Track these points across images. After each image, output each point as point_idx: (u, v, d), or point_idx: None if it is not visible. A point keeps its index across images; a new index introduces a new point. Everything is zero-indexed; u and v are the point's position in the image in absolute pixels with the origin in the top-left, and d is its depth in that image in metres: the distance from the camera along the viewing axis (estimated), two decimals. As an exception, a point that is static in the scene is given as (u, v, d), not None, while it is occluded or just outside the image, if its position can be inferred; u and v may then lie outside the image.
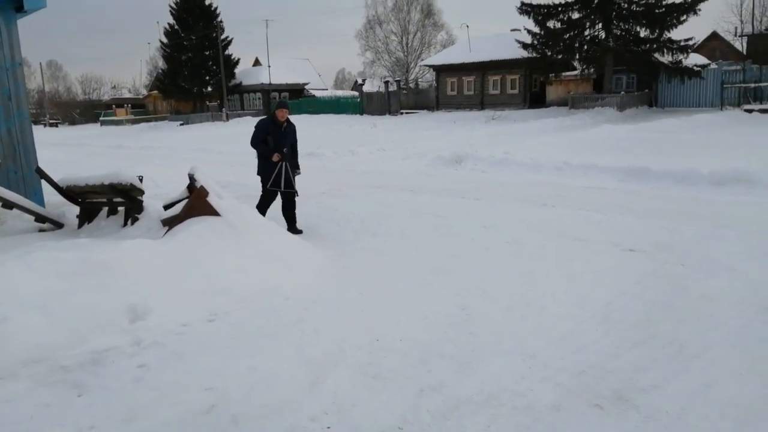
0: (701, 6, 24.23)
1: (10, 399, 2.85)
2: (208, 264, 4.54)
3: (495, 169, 12.97)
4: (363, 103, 40.45)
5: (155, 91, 55.50)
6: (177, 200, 6.23)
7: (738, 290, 4.32)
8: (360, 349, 3.43)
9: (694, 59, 27.08)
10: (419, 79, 50.00)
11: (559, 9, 26.98)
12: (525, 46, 28.31)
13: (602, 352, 3.34)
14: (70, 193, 6.86)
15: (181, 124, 44.28)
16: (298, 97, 49.96)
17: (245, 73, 49.96)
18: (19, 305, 3.39)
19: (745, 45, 27.55)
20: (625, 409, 2.72)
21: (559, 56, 27.44)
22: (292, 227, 7.08)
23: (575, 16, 26.86)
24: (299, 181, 7.23)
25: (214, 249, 4.74)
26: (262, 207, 7.08)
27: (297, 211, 7.19)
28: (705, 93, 24.79)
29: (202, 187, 5.11)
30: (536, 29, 27.72)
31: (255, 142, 6.96)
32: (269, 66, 47.66)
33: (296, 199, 7.13)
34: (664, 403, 2.77)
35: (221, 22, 44.68)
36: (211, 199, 5.06)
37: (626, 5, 25.62)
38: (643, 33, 25.47)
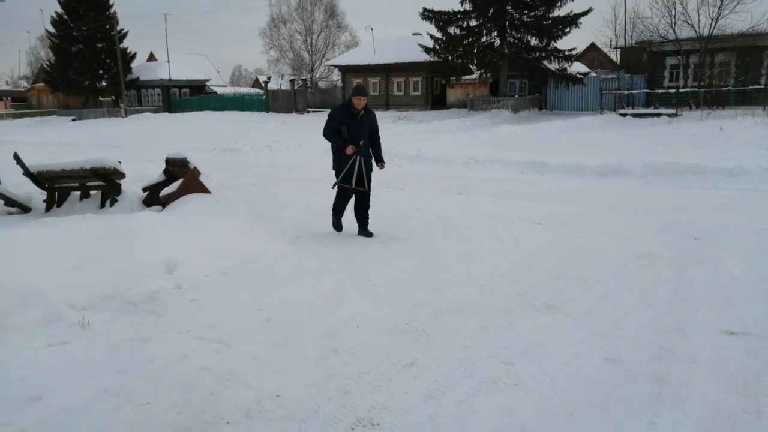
0: (582, 19, 27.05)
1: (107, 321, 3.67)
2: (207, 232, 5.40)
3: (410, 163, 14.25)
4: (269, 101, 40.74)
5: (41, 84, 52.50)
6: (156, 183, 6.97)
7: (619, 247, 5.78)
8: (357, 285, 4.51)
9: (577, 67, 30.09)
10: (324, 79, 50.93)
11: (459, 16, 28.96)
12: (427, 50, 30.07)
13: (531, 283, 4.62)
14: (39, 178, 7.34)
15: (73, 120, 42.36)
16: (199, 93, 49.29)
17: (142, 68, 48.53)
18: (82, 258, 4.16)
19: (619, 56, 30.88)
20: (553, 311, 4.00)
21: (459, 61, 29.40)
22: (363, 229, 6.50)
23: (473, 23, 28.96)
24: (376, 177, 6.87)
25: (209, 220, 5.60)
26: (337, 206, 6.60)
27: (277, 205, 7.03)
28: (587, 98, 27.71)
29: (195, 168, 5.95)
30: (438, 34, 29.55)
31: (327, 132, 6.40)
32: (168, 61, 46.67)
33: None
34: (577, 308, 4.07)
35: (115, 13, 43.13)
36: (203, 179, 5.91)
37: (518, 16, 28.05)
38: (534, 42, 27.97)
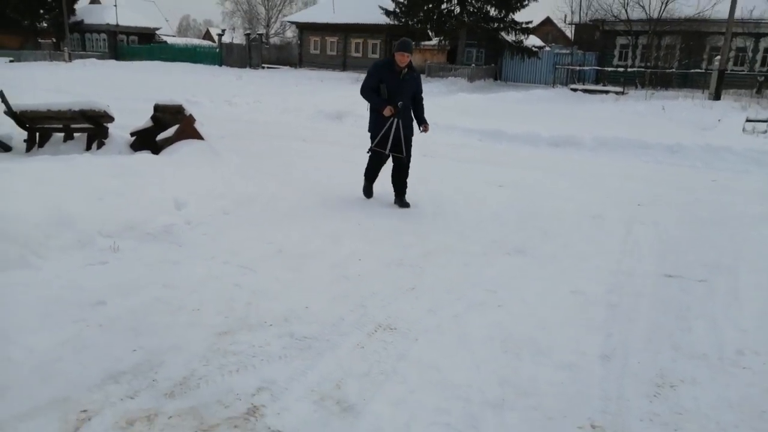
0: (540, -6, 27.79)
1: (134, 248, 4.09)
2: (205, 175, 5.80)
3: (373, 125, 14.68)
4: (222, 55, 40.04)
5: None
6: (144, 128, 7.23)
7: (574, 208, 6.49)
8: (351, 229, 5.05)
9: (533, 41, 30.87)
10: (279, 35, 50.14)
11: (421, -19, 29.15)
12: (387, 13, 30.19)
13: (501, 233, 5.27)
14: (22, 118, 7.45)
15: (10, 61, 40.37)
16: (148, 42, 47.79)
17: (87, 11, 46.49)
18: (102, 191, 4.52)
19: (573, 32, 31.87)
20: (522, 255, 4.66)
21: (419, 26, 29.70)
22: (400, 198, 6.17)
23: (435, -11, 29.23)
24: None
25: (206, 164, 5.98)
26: (369, 170, 6.28)
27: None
28: (540, 71, 28.63)
29: (191, 115, 6.29)
30: (399, -2, 29.70)
31: (365, 90, 5.91)
32: (116, 5, 44.90)
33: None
34: (542, 253, 4.75)
35: (58, -53, 40.95)
36: (197, 126, 6.26)
37: (478, -15, 28.50)
38: (493, 12, 28.51)
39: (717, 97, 20.36)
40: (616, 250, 4.95)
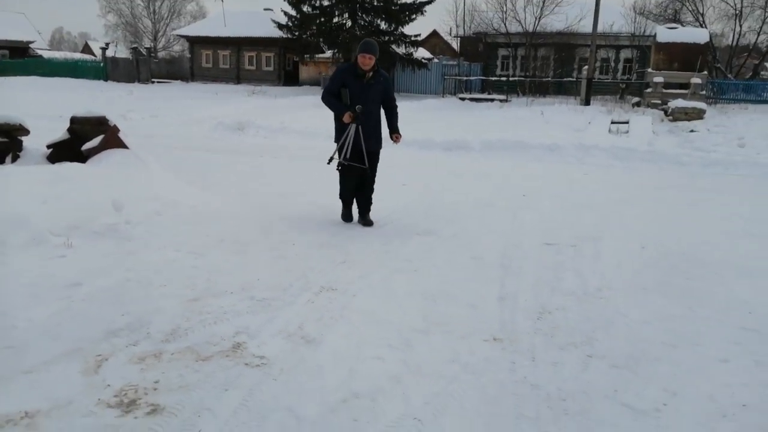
0: (426, 8, 29.40)
1: (85, 243, 4.47)
2: (132, 181, 6.17)
3: (275, 135, 15.22)
4: (107, 69, 38.62)
5: None
6: (60, 140, 7.40)
7: (468, 200, 7.44)
8: (279, 222, 5.68)
9: (422, 53, 32.55)
10: (168, 49, 49.01)
11: (312, -5, 29.92)
12: (280, 26, 30.67)
13: (410, 221, 6.07)
14: (-72, 133, 7.37)
15: None
16: (22, 56, 45.12)
17: (-53, 23, 43.26)
18: (43, 196, 4.85)
19: (458, 44, 33.90)
20: (430, 235, 5.50)
21: (312, 39, 30.43)
22: (362, 216, 5.83)
23: (326, 3, 30.06)
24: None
25: (131, 172, 6.35)
26: (342, 190, 5.81)
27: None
28: (430, 82, 30.23)
29: (115, 125, 6.62)
30: (292, 11, 30.26)
31: (325, 95, 5.51)
32: (-17, 17, 42.15)
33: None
34: (446, 233, 5.60)
35: None
36: (121, 136, 6.61)
37: (368, 0, 29.70)
38: (383, 26, 29.79)
39: (587, 102, 22.64)
40: (505, 229, 5.90)
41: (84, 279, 3.74)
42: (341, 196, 5.87)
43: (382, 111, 5.70)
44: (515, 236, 5.61)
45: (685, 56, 22.01)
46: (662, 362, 2.99)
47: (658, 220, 6.47)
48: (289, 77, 36.21)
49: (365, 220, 5.80)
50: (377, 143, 5.72)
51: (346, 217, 5.91)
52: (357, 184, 5.72)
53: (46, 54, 48.46)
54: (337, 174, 5.75)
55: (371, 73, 5.39)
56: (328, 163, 5.72)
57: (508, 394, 2.63)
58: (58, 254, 4.23)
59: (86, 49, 69.43)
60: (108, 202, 5.39)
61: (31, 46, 46.96)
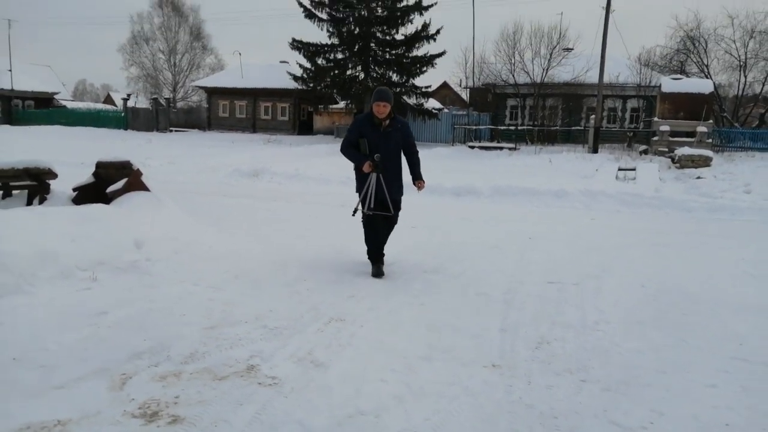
0: (436, 60, 30.29)
1: (110, 278, 4.74)
2: (150, 221, 6.47)
3: (290, 181, 15.62)
4: (128, 118, 39.83)
5: None
6: (86, 183, 7.77)
7: (476, 242, 7.67)
8: (293, 260, 5.92)
9: (432, 103, 33.33)
10: (186, 99, 50.48)
11: (326, 49, 30.96)
12: (295, 78, 31.67)
13: (419, 259, 6.30)
14: (-40, 177, 7.78)
15: None
16: (47, 106, 46.70)
17: (-24, 76, 44.96)
18: (72, 234, 5.15)
19: (468, 95, 34.71)
20: (438, 273, 5.71)
21: (326, 90, 31.34)
22: (376, 264, 5.60)
23: (340, 56, 31.10)
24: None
25: (152, 213, 6.66)
26: (368, 241, 5.65)
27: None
28: (441, 131, 30.85)
29: (138, 169, 6.98)
30: (307, 64, 31.30)
31: (344, 147, 5.51)
32: (10, 70, 43.84)
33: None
34: (453, 271, 5.81)
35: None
36: (144, 179, 6.96)
37: (381, 53, 30.69)
38: (395, 78, 30.68)
39: (595, 150, 23.00)
40: (511, 269, 6.10)
41: (109, 308, 3.99)
42: (368, 252, 5.66)
43: (404, 158, 5.66)
44: (520, 275, 5.80)
45: (690, 106, 22.42)
46: (652, 387, 3.15)
47: (661, 261, 6.64)
48: (303, 126, 37.11)
49: (377, 270, 5.57)
50: (398, 191, 5.65)
51: (377, 272, 5.53)
52: (382, 233, 5.61)
53: (70, 104, 50.10)
54: (355, 219, 5.62)
55: (387, 121, 5.38)
56: (353, 215, 5.56)
57: (503, 413, 2.80)
58: (84, 287, 4.49)
59: (108, 99, 71.67)
60: (130, 240, 5.69)
61: (55, 96, 48.61)
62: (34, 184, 7.75)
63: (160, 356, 3.26)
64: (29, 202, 7.86)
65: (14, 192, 8.09)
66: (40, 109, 45.21)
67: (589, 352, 3.65)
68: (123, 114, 40.34)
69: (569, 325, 4.20)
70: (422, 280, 5.37)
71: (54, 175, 7.66)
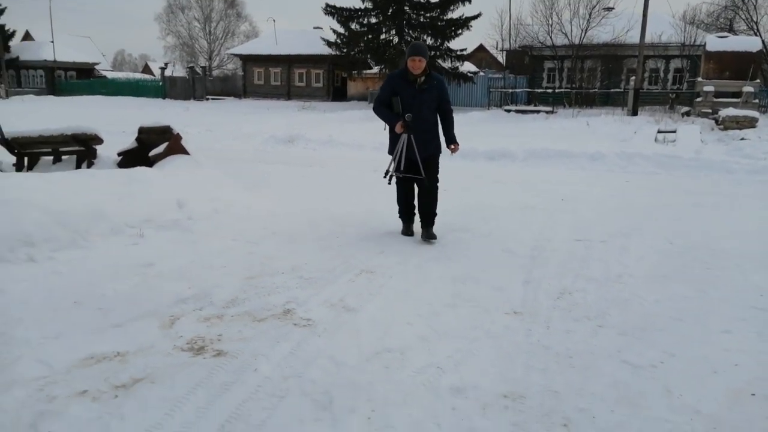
0: (472, 23, 29.82)
1: (155, 234, 5.06)
2: (194, 183, 6.77)
3: (324, 147, 15.81)
4: (166, 88, 40.52)
5: None
6: (129, 149, 8.14)
7: (508, 202, 7.78)
8: (326, 218, 6.16)
9: (468, 66, 32.89)
10: (222, 68, 50.93)
11: (360, 13, 30.75)
12: (329, 44, 31.61)
13: (448, 219, 6.43)
14: (14, 144, 8.23)
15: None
16: (87, 77, 47.78)
17: (22, 48, 46.19)
18: (120, 194, 5.48)
19: (504, 58, 34.15)
20: (467, 232, 5.86)
21: (360, 55, 31.24)
22: (424, 230, 5.44)
23: (373, 21, 30.87)
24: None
25: (193, 175, 6.96)
26: (400, 203, 5.61)
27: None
28: (476, 95, 30.55)
29: (178, 133, 7.28)
30: (340, 29, 31.19)
31: (376, 106, 5.27)
32: (53, 41, 44.84)
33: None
34: (482, 231, 5.96)
35: (-12, -16, 40.94)
36: (183, 143, 7.26)
37: (415, 16, 30.33)
38: (430, 41, 30.35)
39: (635, 113, 22.51)
40: (539, 227, 6.21)
41: (155, 260, 4.30)
42: (399, 211, 5.62)
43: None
44: (548, 233, 5.92)
45: (736, 65, 21.68)
46: (667, 332, 3.29)
47: (691, 221, 6.65)
48: (337, 93, 37.17)
49: (428, 234, 5.37)
50: (435, 149, 5.39)
51: (407, 230, 5.58)
52: (415, 195, 5.50)
53: (110, 75, 51.16)
54: (386, 180, 5.43)
55: (423, 78, 5.09)
56: (385, 178, 5.34)
57: (521, 353, 2.99)
58: (132, 242, 4.82)
59: (146, 69, 72.75)
60: (173, 200, 6.00)
61: (96, 67, 49.66)
62: (82, 149, 8.16)
63: (203, 302, 3.54)
64: (78, 166, 8.27)
65: (64, 157, 8.52)
66: (81, 79, 46.32)
67: (609, 302, 3.80)
68: (161, 83, 41.08)
69: (592, 278, 4.34)
70: (450, 238, 5.53)
71: (100, 141, 8.03)
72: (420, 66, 5.03)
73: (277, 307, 3.49)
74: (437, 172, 5.56)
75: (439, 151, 5.46)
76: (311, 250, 4.86)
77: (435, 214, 5.51)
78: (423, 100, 5.12)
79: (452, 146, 5.43)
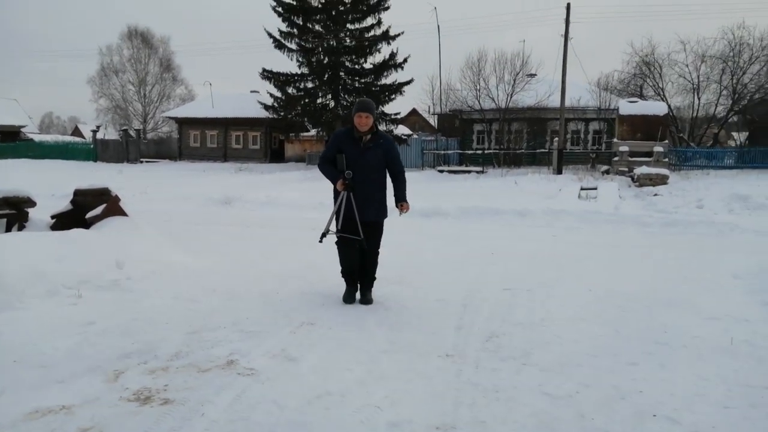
0: (405, 88, 31.15)
1: (94, 295, 5.07)
2: (129, 244, 6.80)
3: (262, 208, 15.95)
4: (97, 150, 39.79)
5: None
6: (64, 211, 8.07)
7: (441, 258, 8.15)
8: (264, 275, 6.30)
9: (402, 130, 34.09)
10: (157, 131, 50.56)
11: (296, 78, 31.59)
12: (266, 107, 32.19)
13: (386, 273, 6.72)
14: (-61, 207, 8.02)
15: None
16: (13, 139, 46.37)
17: (-59, 110, 44.59)
18: (57, 255, 5.47)
19: (436, 121, 35.61)
20: (400, 284, 6.14)
21: (297, 119, 31.88)
22: (363, 294, 5.30)
23: (310, 85, 31.76)
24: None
25: (129, 236, 6.99)
26: (342, 265, 5.32)
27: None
28: (411, 156, 31.47)
29: (116, 195, 7.32)
30: (277, 93, 31.86)
31: (321, 163, 5.13)
32: (-24, 105, 43.56)
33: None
34: (417, 283, 6.25)
35: None
36: (122, 204, 7.30)
37: (350, 81, 31.45)
38: (364, 105, 31.32)
39: (559, 171, 23.85)
40: (470, 279, 6.57)
41: (96, 319, 4.34)
42: (342, 272, 5.35)
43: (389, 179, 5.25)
44: (478, 285, 6.27)
45: (646, 127, 23.49)
46: (583, 366, 3.63)
47: (610, 270, 7.18)
48: (275, 155, 37.53)
49: (365, 298, 5.26)
50: (377, 213, 5.20)
51: (348, 297, 5.25)
52: (358, 258, 5.23)
53: (37, 137, 49.77)
54: (326, 239, 5.29)
55: (369, 136, 4.99)
56: (320, 241, 5.24)
57: (452, 390, 3.24)
58: (70, 303, 4.83)
59: (76, 131, 71.24)
60: (111, 261, 6.03)
61: (22, 130, 48.30)
62: (13, 212, 8.03)
63: (148, 355, 3.63)
64: (8, 230, 8.11)
65: (-8, 221, 8.35)
66: (6, 142, 44.85)
67: (532, 343, 4.12)
68: (92, 146, 40.30)
69: (518, 322, 4.68)
70: (387, 290, 5.79)
71: (33, 204, 7.94)
72: (366, 123, 4.91)
73: (221, 358, 3.62)
74: (379, 239, 5.39)
75: (382, 216, 5.29)
76: (252, 306, 5.00)
77: (374, 279, 5.44)
78: (367, 159, 4.97)
79: (401, 205, 5.19)
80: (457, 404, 3.05)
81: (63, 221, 7.99)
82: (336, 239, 5.19)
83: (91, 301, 4.94)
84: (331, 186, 5.17)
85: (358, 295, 5.37)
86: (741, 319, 4.78)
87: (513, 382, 3.38)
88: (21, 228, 8.00)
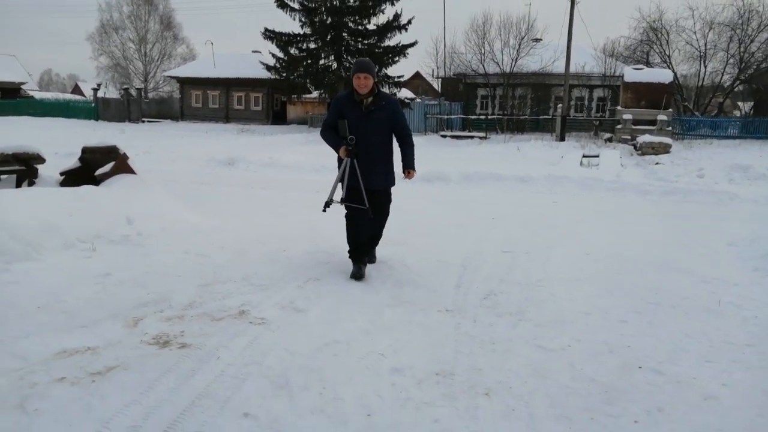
0: (408, 50, 30.91)
1: (107, 249, 5.26)
2: (138, 201, 6.96)
3: (265, 170, 16.07)
4: (98, 109, 39.63)
5: None
6: (72, 168, 8.21)
7: (444, 221, 8.31)
8: (272, 232, 6.48)
9: (405, 93, 33.90)
10: (158, 90, 50.22)
11: (299, 38, 31.34)
12: (268, 68, 31.97)
13: (388, 235, 6.91)
14: (-49, 162, 8.16)
15: None
16: (13, 97, 46.13)
17: (-59, 66, 44.27)
18: (70, 210, 5.64)
19: (439, 85, 35.38)
20: (402, 245, 6.33)
21: (299, 80, 31.72)
22: (356, 264, 4.90)
23: (312, 46, 31.50)
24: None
25: (138, 193, 7.15)
26: (348, 235, 4.97)
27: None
28: (413, 121, 31.36)
29: (124, 153, 7.45)
30: (279, 54, 31.62)
31: (323, 128, 4.82)
32: (-26, 60, 43.20)
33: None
34: (418, 243, 6.44)
35: None
36: (130, 162, 7.44)
37: (353, 43, 31.19)
38: (368, 67, 31.12)
39: (562, 138, 23.87)
40: (471, 242, 6.75)
41: (111, 271, 4.54)
42: (349, 250, 5.00)
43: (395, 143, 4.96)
44: (479, 247, 6.46)
45: (651, 95, 23.42)
46: (576, 323, 3.83)
47: (607, 235, 7.35)
48: (277, 117, 37.40)
49: (369, 258, 5.17)
50: (384, 181, 4.94)
51: (356, 274, 4.84)
52: (368, 231, 4.96)
53: (37, 95, 49.49)
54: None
55: (371, 99, 4.65)
56: (324, 210, 4.92)
57: (450, 341, 3.45)
58: (85, 255, 5.02)
59: (76, 89, 70.77)
60: (122, 217, 6.20)
61: (22, 87, 48.00)
62: (23, 168, 8.17)
63: (163, 305, 3.83)
64: (18, 186, 8.26)
65: (3, 177, 8.49)
66: (6, 99, 44.65)
67: (528, 301, 4.33)
68: (93, 104, 40.11)
69: (515, 282, 4.87)
70: (390, 250, 5.97)
71: (42, 160, 8.08)
72: (366, 84, 4.56)
73: (233, 309, 3.82)
74: (388, 209, 5.17)
75: (390, 184, 5.03)
76: (260, 262, 5.19)
77: (380, 237, 5.25)
78: (371, 123, 4.65)
79: (407, 172, 4.91)
80: (456, 353, 3.26)
81: (72, 178, 8.14)
82: (325, 208, 4.90)
83: (105, 254, 5.12)
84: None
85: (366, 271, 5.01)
86: (730, 283, 4.97)
87: (509, 335, 3.58)
88: (31, 184, 8.15)
